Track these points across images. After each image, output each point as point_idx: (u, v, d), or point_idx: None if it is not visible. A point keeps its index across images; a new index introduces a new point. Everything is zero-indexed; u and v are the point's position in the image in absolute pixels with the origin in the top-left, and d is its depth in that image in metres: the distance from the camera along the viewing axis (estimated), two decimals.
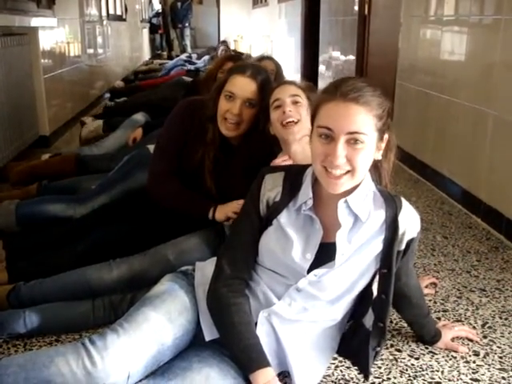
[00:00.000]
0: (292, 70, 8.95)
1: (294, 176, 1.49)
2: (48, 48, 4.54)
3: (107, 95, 6.79)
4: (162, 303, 1.48)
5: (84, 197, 2.56)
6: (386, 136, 1.41)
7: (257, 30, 14.32)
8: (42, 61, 4.33)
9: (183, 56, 10.00)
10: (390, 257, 1.46)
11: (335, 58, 6.21)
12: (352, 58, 5.37)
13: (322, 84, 6.89)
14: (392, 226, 1.44)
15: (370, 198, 1.45)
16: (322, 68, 6.98)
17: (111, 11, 8.14)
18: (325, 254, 1.43)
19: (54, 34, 4.71)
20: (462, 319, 1.96)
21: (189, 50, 14.72)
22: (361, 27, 5.13)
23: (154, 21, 14.45)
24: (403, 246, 1.48)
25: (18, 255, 2.15)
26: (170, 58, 14.47)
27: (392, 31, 4.26)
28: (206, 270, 1.57)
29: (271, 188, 1.48)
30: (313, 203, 1.43)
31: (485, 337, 1.85)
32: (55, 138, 4.66)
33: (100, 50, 7.19)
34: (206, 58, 8.03)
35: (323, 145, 1.34)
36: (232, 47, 15.15)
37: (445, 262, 2.42)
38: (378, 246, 1.45)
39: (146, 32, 13.71)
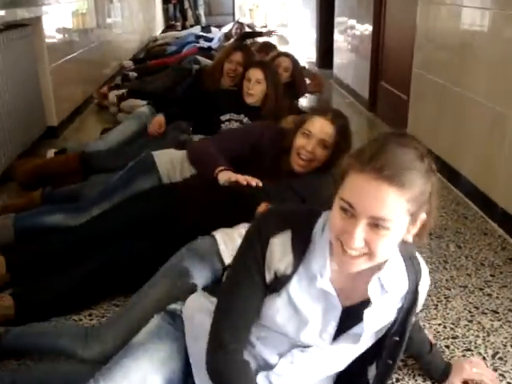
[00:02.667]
0: (307, 40, 8.76)
1: (303, 235, 1.25)
2: (53, 35, 4.43)
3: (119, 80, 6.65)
4: (145, 353, 1.39)
5: (84, 206, 2.50)
6: (422, 216, 1.17)
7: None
8: (48, 50, 4.22)
9: (196, 30, 9.81)
10: (404, 326, 1.33)
11: (351, 27, 6.01)
12: (369, 28, 5.16)
13: (337, 57, 6.72)
14: (413, 297, 1.31)
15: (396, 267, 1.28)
16: (337, 38, 6.77)
17: None
18: (344, 322, 1.28)
19: (58, 19, 4.59)
20: (472, 348, 1.88)
21: (203, 19, 14.55)
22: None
23: None
24: (418, 311, 1.37)
25: (23, 276, 2.12)
26: (185, 28, 14.32)
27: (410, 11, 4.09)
28: (195, 319, 1.45)
29: (280, 258, 1.23)
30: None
31: (495, 369, 1.78)
32: (64, 127, 4.59)
33: (110, 29, 7.06)
34: (220, 35, 7.88)
35: (342, 219, 1.13)
36: (247, 16, 14.95)
37: (457, 278, 2.33)
38: (393, 314, 1.32)
39: (158, 2, 13.47)
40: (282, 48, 9.33)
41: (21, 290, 2.02)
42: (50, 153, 3.56)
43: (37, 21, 4.04)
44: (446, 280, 2.31)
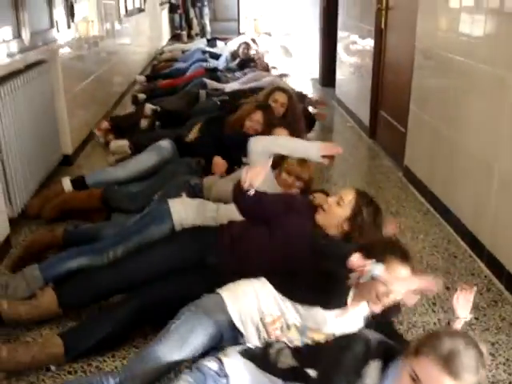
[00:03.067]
0: (312, 52, 8.93)
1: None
2: (68, 67, 4.65)
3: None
4: None
5: (102, 247, 2.69)
6: None
7: (277, 8, 14.22)
8: (64, 81, 4.45)
9: (202, 44, 10.02)
10: None
11: (353, 43, 6.23)
12: (370, 55, 5.38)
13: (339, 77, 6.93)
14: None
15: None
16: (340, 56, 6.99)
17: (130, 6, 8.17)
18: None
19: (73, 50, 4.82)
20: None
21: (208, 28, 14.75)
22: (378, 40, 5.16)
23: (173, 0, 14.40)
24: None
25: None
26: (190, 36, 14.57)
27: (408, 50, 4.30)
28: None
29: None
30: None
31: None
32: (77, 154, 4.82)
33: (119, 48, 7.29)
34: (227, 54, 8.07)
35: (410, 381, 1.52)
36: (252, 26, 15.14)
37: (443, 320, 2.55)
38: None
39: (165, 12, 13.71)
40: (285, 61, 9.60)
41: (69, 332, 2.27)
42: (66, 180, 3.72)
43: (53, 57, 4.27)
44: (434, 323, 2.54)
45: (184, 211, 2.77)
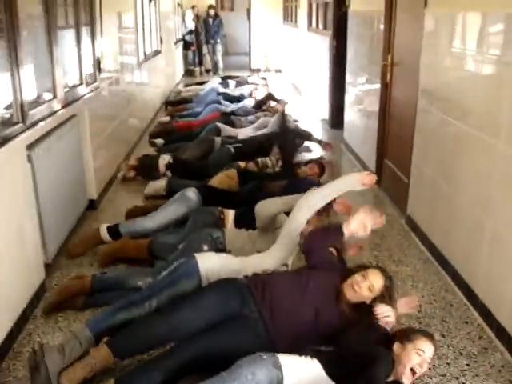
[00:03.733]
0: (321, 94, 9.28)
1: None
2: (95, 118, 5.00)
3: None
4: None
5: (139, 299, 2.95)
6: None
7: (287, 45, 14.68)
8: (90, 132, 4.82)
9: (215, 84, 10.41)
10: None
11: (361, 88, 6.59)
12: (376, 106, 5.74)
13: (347, 120, 7.27)
14: None
15: None
16: (348, 98, 7.37)
17: (148, 50, 8.59)
18: None
19: (98, 102, 5.19)
20: None
21: (220, 65, 15.29)
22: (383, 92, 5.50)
23: (187, 38, 14.93)
24: None
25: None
26: (201, 73, 15.07)
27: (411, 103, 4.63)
28: None
29: None
30: None
31: None
32: (101, 197, 5.16)
33: (138, 91, 7.68)
34: (245, 102, 8.46)
35: None
36: (263, 63, 15.58)
37: (438, 367, 2.83)
38: None
39: (179, 50, 14.22)
40: (295, 98, 9.93)
41: (123, 379, 2.52)
42: (103, 228, 4.06)
43: (82, 110, 4.64)
44: (429, 369, 2.80)
45: (211, 265, 3.08)
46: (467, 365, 2.87)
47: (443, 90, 3.92)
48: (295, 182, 4.54)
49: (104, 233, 4.02)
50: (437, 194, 4.02)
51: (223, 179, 4.83)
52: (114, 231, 4.03)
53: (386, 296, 2.77)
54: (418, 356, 2.46)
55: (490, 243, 3.19)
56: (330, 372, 2.40)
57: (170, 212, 4.14)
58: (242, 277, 2.97)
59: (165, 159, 5.36)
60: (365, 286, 2.76)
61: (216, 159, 5.42)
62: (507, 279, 2.97)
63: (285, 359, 2.38)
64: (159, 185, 5.07)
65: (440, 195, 3.96)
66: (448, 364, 2.87)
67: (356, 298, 2.77)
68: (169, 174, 5.32)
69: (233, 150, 5.59)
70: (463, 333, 3.15)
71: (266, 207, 3.63)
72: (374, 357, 2.41)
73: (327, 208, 3.51)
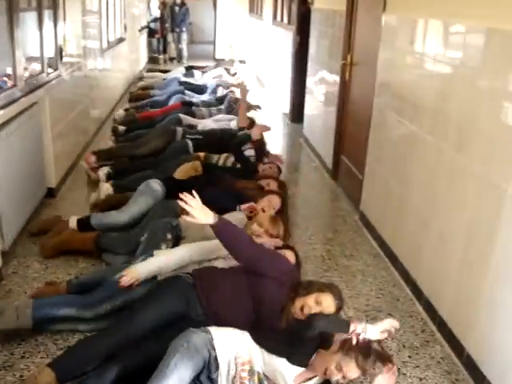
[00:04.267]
0: (283, 88, 9.39)
1: None
2: (56, 106, 4.99)
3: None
4: None
5: (91, 302, 2.98)
6: None
7: (252, 37, 14.74)
8: (50, 120, 4.81)
9: (179, 73, 10.45)
10: None
11: (320, 83, 6.72)
12: (335, 100, 5.88)
13: (307, 115, 7.41)
14: None
15: None
16: (308, 93, 7.51)
17: (111, 38, 8.56)
18: None
19: (60, 90, 5.18)
20: None
21: (185, 53, 15.30)
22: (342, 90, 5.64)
23: (152, 25, 14.87)
24: None
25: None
26: (165, 61, 15.04)
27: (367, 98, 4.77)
28: None
29: None
30: None
31: None
32: (60, 186, 5.16)
33: (101, 78, 7.66)
34: (212, 96, 8.51)
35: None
36: (228, 54, 15.61)
37: None
38: None
39: (143, 37, 14.13)
40: (257, 90, 10.02)
41: None
42: (73, 220, 4.06)
43: (43, 98, 4.63)
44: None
45: (165, 263, 3.09)
46: (409, 356, 3.03)
47: (397, 92, 4.07)
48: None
49: (73, 225, 4.03)
50: (388, 192, 4.17)
51: (188, 170, 4.88)
52: (83, 224, 4.04)
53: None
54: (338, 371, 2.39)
55: (434, 241, 3.35)
56: (259, 343, 2.51)
57: (141, 204, 4.14)
58: (187, 274, 2.95)
59: (103, 170, 5.24)
60: (314, 306, 2.70)
61: (173, 151, 5.47)
62: (448, 276, 3.14)
63: (212, 328, 2.53)
64: (106, 189, 4.89)
65: (391, 193, 4.11)
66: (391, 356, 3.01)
67: (301, 317, 2.73)
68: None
69: (191, 144, 5.63)
70: (407, 326, 3.31)
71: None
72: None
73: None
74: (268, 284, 2.78)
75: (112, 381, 2.48)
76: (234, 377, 2.43)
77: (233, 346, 2.48)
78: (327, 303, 2.71)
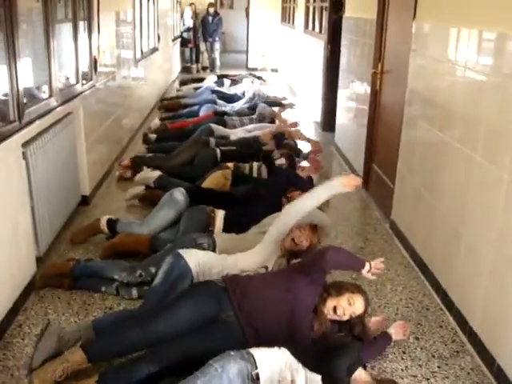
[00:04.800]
0: (315, 96, 9.41)
1: None
2: (90, 116, 5.11)
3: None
4: None
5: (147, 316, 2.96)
6: None
7: (284, 46, 14.79)
8: (85, 130, 4.92)
9: (211, 82, 10.56)
10: None
11: (352, 92, 6.72)
12: (365, 108, 5.88)
13: (338, 124, 7.40)
14: None
15: None
16: (340, 102, 7.50)
17: (145, 48, 8.69)
18: None
19: (94, 99, 5.29)
20: None
21: (217, 62, 15.40)
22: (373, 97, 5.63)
23: (185, 35, 15.05)
24: None
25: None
26: (198, 70, 15.19)
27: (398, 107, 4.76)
28: None
29: None
30: None
31: None
32: (93, 194, 5.26)
33: (134, 88, 7.79)
34: (244, 105, 8.59)
35: None
36: (260, 63, 15.69)
37: (410, 368, 2.97)
38: None
39: (176, 47, 14.32)
40: (289, 100, 10.07)
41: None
42: (104, 219, 4.25)
43: (77, 108, 4.74)
44: (402, 370, 2.95)
45: (198, 260, 3.24)
46: (438, 367, 3.00)
47: (427, 101, 4.05)
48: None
49: (104, 224, 4.21)
50: (419, 201, 4.15)
51: (219, 179, 4.95)
52: (113, 225, 4.20)
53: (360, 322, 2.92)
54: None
55: (465, 251, 3.33)
56: (298, 358, 2.53)
57: (162, 217, 4.24)
58: (220, 278, 3.07)
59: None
60: (348, 313, 2.85)
61: (202, 161, 5.53)
62: (479, 286, 3.11)
63: (254, 351, 2.50)
64: (151, 175, 5.22)
65: (422, 202, 4.08)
66: (420, 366, 3.00)
67: (334, 318, 2.87)
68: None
69: (219, 153, 5.69)
70: (437, 336, 3.29)
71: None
72: (342, 346, 2.54)
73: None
74: (304, 286, 2.88)
75: (140, 377, 2.55)
76: None
77: (276, 368, 2.47)
78: (358, 304, 2.86)
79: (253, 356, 2.45)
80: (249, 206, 4.29)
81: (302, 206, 3.41)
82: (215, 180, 4.92)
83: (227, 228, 4.04)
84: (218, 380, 2.33)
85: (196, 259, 3.26)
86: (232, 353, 2.45)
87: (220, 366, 2.36)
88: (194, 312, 2.82)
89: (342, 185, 3.41)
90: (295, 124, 7.34)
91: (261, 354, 2.49)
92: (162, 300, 3.06)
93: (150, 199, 4.96)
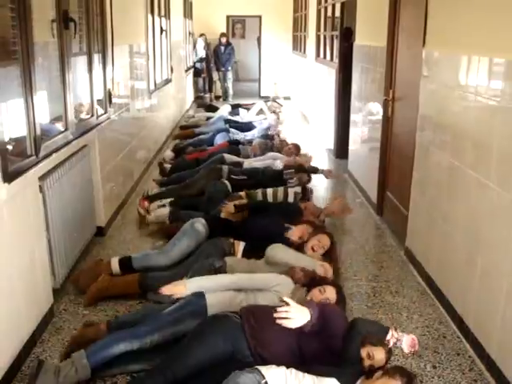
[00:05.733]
0: (328, 123, 9.46)
1: None
2: (105, 148, 5.18)
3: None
4: None
5: (141, 333, 3.05)
6: None
7: (296, 74, 14.92)
8: (100, 162, 4.99)
9: (225, 112, 10.66)
10: None
11: (363, 121, 6.75)
12: (378, 134, 5.91)
13: (351, 151, 7.42)
14: None
15: None
16: (352, 130, 7.53)
17: (158, 79, 8.81)
18: None
19: (109, 131, 5.37)
20: None
21: (230, 91, 15.56)
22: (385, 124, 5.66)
23: (198, 65, 15.23)
24: None
25: None
26: (211, 99, 15.34)
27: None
28: None
29: None
30: None
31: None
32: (109, 225, 5.31)
33: (148, 119, 7.89)
34: (256, 133, 8.69)
35: None
36: (272, 91, 15.83)
37: None
38: None
39: (189, 77, 14.49)
40: (302, 127, 10.13)
41: None
42: (114, 260, 4.15)
43: (93, 141, 4.81)
44: None
45: (218, 306, 3.19)
46: None
47: (439, 127, 4.07)
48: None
49: (115, 266, 4.11)
50: (433, 228, 4.14)
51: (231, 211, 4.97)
52: (125, 264, 4.13)
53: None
54: None
55: (480, 278, 3.31)
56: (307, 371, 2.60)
57: (182, 247, 4.24)
58: (233, 313, 3.05)
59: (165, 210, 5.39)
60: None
61: (212, 194, 5.54)
62: (495, 313, 3.09)
63: (258, 367, 2.57)
64: (163, 213, 5.24)
65: (436, 229, 4.08)
66: None
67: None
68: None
69: (229, 185, 5.72)
70: (454, 364, 3.26)
71: (277, 253, 3.82)
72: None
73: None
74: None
75: None
76: None
77: (282, 378, 2.52)
78: (379, 357, 2.79)
79: (258, 369, 2.52)
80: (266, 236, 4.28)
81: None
82: (230, 209, 4.93)
83: (246, 257, 4.08)
84: None
85: (217, 301, 3.22)
86: (237, 371, 2.51)
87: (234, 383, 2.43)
88: (209, 352, 2.82)
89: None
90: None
91: (265, 368, 2.56)
92: (160, 328, 3.05)
93: (166, 233, 4.98)
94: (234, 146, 7.51)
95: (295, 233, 4.17)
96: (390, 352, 2.87)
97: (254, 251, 4.08)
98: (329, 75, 9.37)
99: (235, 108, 11.15)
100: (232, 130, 8.80)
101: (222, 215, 4.86)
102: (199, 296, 3.23)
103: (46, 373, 2.78)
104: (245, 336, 2.86)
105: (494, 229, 3.14)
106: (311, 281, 3.42)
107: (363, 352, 2.77)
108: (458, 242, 3.66)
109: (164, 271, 4.02)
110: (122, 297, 3.87)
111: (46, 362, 2.91)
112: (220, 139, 8.16)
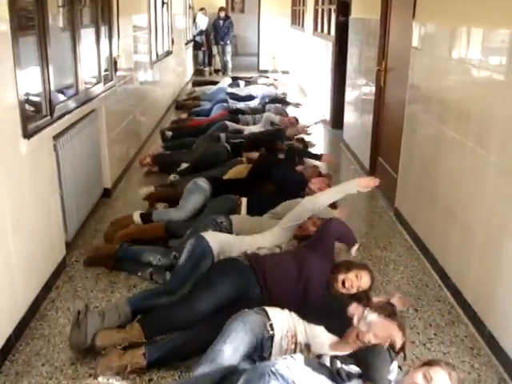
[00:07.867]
0: (324, 96, 9.71)
1: None
2: (110, 114, 5.44)
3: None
4: None
5: (173, 288, 3.32)
6: None
7: (294, 48, 15.09)
8: (106, 126, 5.26)
9: (225, 84, 10.88)
10: None
11: (358, 90, 7.02)
12: (371, 103, 6.18)
13: (346, 121, 7.70)
14: None
15: None
16: (347, 100, 7.81)
17: (160, 51, 9.03)
18: None
19: (114, 99, 5.62)
20: None
21: (229, 65, 15.74)
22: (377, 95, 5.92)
23: (198, 39, 15.38)
24: None
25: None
26: (211, 73, 15.53)
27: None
28: None
29: None
30: None
31: None
32: (115, 187, 5.59)
33: (151, 89, 8.14)
34: (254, 104, 8.95)
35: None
36: (271, 64, 16.00)
37: (409, 335, 3.25)
38: None
39: (189, 50, 14.66)
40: (300, 100, 10.38)
41: (150, 347, 2.85)
42: (136, 214, 4.47)
43: (100, 106, 5.08)
44: None
45: (219, 242, 3.53)
46: (434, 334, 3.29)
47: (426, 96, 4.34)
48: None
49: (137, 218, 4.43)
50: (420, 190, 4.43)
51: (242, 170, 5.28)
52: (146, 218, 4.45)
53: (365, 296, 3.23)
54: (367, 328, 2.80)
55: (459, 231, 3.61)
56: (299, 314, 2.90)
57: (195, 201, 4.55)
58: (242, 256, 3.37)
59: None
60: (355, 286, 3.24)
61: (210, 156, 5.85)
62: (472, 262, 3.40)
63: (266, 308, 2.84)
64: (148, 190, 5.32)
65: (422, 191, 4.37)
66: (418, 333, 3.29)
67: (343, 291, 3.24)
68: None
69: (229, 147, 6.04)
70: (434, 308, 3.57)
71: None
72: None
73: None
74: (315, 261, 3.32)
75: (173, 349, 2.85)
76: (286, 350, 2.74)
77: (285, 324, 2.80)
78: (365, 279, 3.28)
79: (265, 310, 2.80)
80: (267, 192, 4.67)
81: (316, 202, 3.77)
82: (239, 171, 5.22)
83: (249, 213, 4.39)
84: (243, 333, 2.62)
85: (217, 240, 3.55)
86: (246, 310, 2.77)
87: (241, 322, 2.66)
88: (230, 290, 3.13)
89: (358, 186, 3.83)
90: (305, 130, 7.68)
91: (271, 309, 2.83)
92: (186, 278, 3.34)
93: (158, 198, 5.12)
94: (233, 115, 7.77)
95: (315, 183, 4.63)
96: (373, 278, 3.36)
97: (255, 206, 4.39)
98: (326, 48, 9.59)
99: (235, 80, 11.40)
100: (230, 100, 9.07)
101: (228, 176, 5.16)
102: (198, 238, 3.54)
103: (92, 314, 3.06)
104: (256, 276, 3.19)
105: (472, 187, 3.43)
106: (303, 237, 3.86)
107: (351, 274, 3.23)
108: (441, 200, 3.95)
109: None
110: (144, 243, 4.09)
111: (89, 307, 3.19)
112: (218, 109, 8.41)
